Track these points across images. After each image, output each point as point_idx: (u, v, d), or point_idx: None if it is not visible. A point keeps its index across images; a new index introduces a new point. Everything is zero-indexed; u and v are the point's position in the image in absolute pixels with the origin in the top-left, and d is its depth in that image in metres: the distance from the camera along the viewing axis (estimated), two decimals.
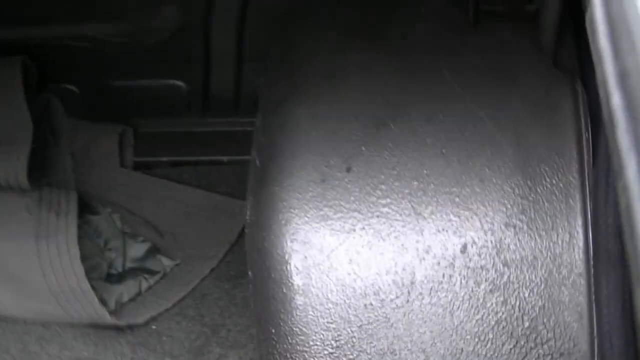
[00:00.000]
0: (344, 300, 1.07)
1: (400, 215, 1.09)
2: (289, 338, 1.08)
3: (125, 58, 1.77)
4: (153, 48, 1.74)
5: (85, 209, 1.68)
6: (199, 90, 1.82)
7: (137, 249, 1.66)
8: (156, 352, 1.51)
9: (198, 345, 1.53)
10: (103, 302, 1.54)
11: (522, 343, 1.06)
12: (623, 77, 0.53)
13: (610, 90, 0.53)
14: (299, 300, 1.08)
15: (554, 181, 1.10)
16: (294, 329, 1.08)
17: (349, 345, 1.06)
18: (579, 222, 1.08)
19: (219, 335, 1.54)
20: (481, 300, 1.06)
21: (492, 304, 1.06)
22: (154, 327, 1.55)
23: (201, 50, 1.75)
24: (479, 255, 1.07)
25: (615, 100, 0.52)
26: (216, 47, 1.74)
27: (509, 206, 1.08)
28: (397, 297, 1.06)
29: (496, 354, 1.05)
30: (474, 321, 1.06)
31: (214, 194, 1.80)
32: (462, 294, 1.06)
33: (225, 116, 1.87)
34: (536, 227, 1.08)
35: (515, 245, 1.07)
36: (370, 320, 1.07)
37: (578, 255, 1.07)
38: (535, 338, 1.06)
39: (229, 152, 1.85)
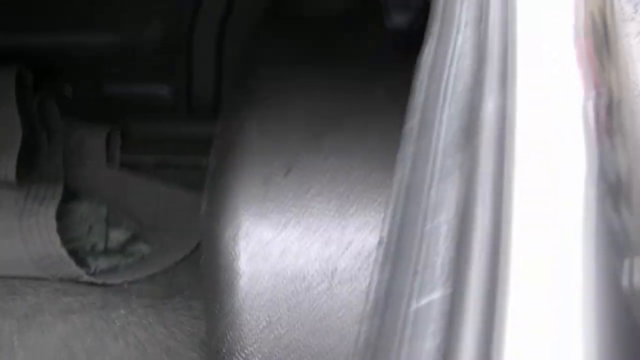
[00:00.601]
0: (275, 286, 1.24)
1: (328, 213, 1.26)
2: (230, 315, 1.26)
3: (117, 64, 1.95)
4: (143, 56, 1.92)
5: (73, 198, 1.85)
6: (183, 97, 2.00)
7: (118, 235, 1.81)
8: (123, 293, 1.69)
9: (163, 295, 1.71)
10: (83, 263, 1.73)
11: None
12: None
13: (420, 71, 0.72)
14: (239, 283, 1.25)
15: None
16: (234, 307, 1.25)
17: (278, 323, 1.23)
18: None
19: (183, 294, 1.72)
20: None
21: None
22: (125, 286, 1.74)
23: (184, 60, 1.93)
24: None
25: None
26: (198, 57, 1.92)
27: None
28: (321, 284, 1.24)
29: None
30: None
31: (195, 192, 1.96)
32: None
33: (208, 120, 2.04)
34: None
35: None
36: (298, 303, 1.24)
37: None
38: None
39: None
